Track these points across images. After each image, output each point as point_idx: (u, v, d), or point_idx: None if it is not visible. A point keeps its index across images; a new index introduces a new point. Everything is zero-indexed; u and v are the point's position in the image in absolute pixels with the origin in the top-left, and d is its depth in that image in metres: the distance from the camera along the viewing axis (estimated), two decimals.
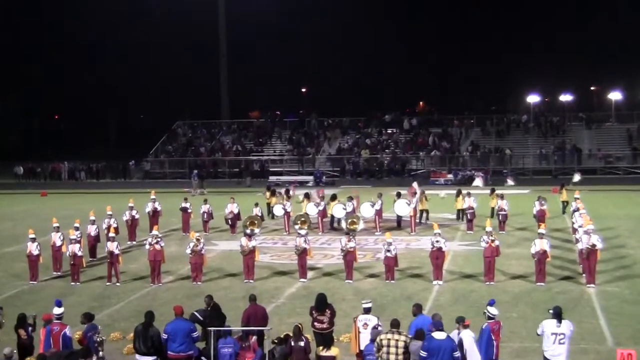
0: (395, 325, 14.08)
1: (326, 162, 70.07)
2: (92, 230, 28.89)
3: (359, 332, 15.42)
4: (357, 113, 78.06)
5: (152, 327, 15.15)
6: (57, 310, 15.78)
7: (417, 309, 15.41)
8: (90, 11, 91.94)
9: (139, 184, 63.46)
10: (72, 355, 14.71)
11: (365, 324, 15.34)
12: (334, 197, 36.31)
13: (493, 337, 14.66)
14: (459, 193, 36.62)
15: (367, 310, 15.64)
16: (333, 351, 14.49)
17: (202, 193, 50.84)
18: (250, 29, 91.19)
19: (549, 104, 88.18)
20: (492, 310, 14.94)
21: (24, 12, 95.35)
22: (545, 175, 62.39)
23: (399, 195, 35.39)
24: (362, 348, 15.11)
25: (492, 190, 36.81)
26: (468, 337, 14.23)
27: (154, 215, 33.86)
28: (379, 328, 14.86)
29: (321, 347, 14.58)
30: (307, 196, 36.69)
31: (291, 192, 39.38)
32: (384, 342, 13.74)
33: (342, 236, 26.04)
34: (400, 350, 13.66)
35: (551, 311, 14.76)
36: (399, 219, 35.03)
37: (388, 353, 13.66)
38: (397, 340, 13.73)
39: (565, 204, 38.12)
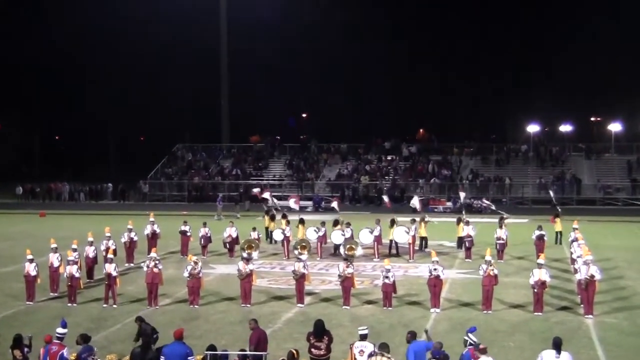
0: (383, 347, 14.19)
1: (325, 188, 70.08)
2: (90, 251, 28.89)
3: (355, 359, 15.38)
4: (357, 139, 78.20)
5: (150, 349, 15.09)
6: (60, 330, 15.71)
7: (412, 336, 15.49)
8: (90, 33, 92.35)
9: (138, 206, 63.41)
10: None
11: (362, 350, 15.32)
12: (335, 223, 36.35)
13: None
14: (459, 221, 36.60)
15: (363, 337, 15.61)
16: None
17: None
18: (251, 53, 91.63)
19: (548, 134, 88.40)
20: (473, 337, 15.09)
21: (22, 31, 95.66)
22: (545, 204, 62.39)
23: (392, 222, 35.34)
24: None
25: (501, 219, 36.51)
26: None
27: (153, 238, 33.92)
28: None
29: None
30: (302, 222, 36.61)
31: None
32: None
33: (341, 262, 26.00)
34: None
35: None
36: (395, 245, 34.96)
37: None
38: None
39: (560, 234, 38.09)
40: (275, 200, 44.14)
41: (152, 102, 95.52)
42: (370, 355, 14.97)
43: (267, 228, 39.28)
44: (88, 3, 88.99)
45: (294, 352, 14.82)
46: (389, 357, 14.00)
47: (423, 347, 14.85)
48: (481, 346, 14.50)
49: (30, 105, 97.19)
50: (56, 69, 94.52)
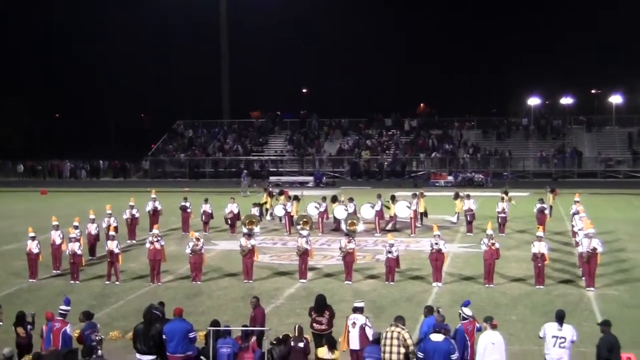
0: (398, 319, 14.47)
1: (327, 163, 70.07)
2: (92, 228, 28.89)
3: (349, 332, 15.54)
4: (357, 114, 78.05)
5: (153, 325, 15.14)
6: (63, 307, 15.76)
7: (428, 311, 15.74)
8: (91, 11, 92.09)
9: (140, 183, 63.47)
10: (70, 353, 14.71)
11: (354, 322, 15.50)
12: (334, 199, 36.42)
13: (467, 337, 14.83)
14: (456, 196, 36.60)
15: (355, 310, 15.73)
16: (335, 354, 14.51)
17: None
18: (251, 29, 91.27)
19: (549, 107, 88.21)
20: (466, 311, 15.27)
21: (24, 12, 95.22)
22: (546, 178, 62.40)
23: (393, 198, 35.31)
24: (352, 347, 15.35)
25: (506, 193, 36.38)
26: (486, 340, 14.26)
27: (154, 214, 33.90)
28: (367, 328, 15.16)
29: (324, 348, 14.56)
30: (297, 198, 36.45)
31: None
32: (383, 335, 14.26)
33: (342, 237, 26.02)
34: (396, 342, 14.04)
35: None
36: (393, 220, 35.01)
37: (384, 345, 14.13)
38: (392, 332, 14.18)
39: (550, 208, 37.69)
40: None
41: (153, 79, 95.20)
42: (362, 327, 15.25)
43: (263, 204, 38.97)
44: None
45: (302, 327, 14.98)
46: (402, 329, 14.24)
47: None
48: (494, 322, 14.58)
49: (30, 84, 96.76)
50: (56, 48, 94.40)
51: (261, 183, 55.44)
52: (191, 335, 15.09)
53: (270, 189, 41.49)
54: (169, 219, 36.24)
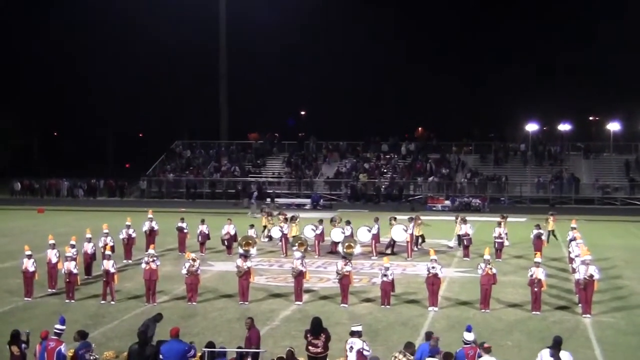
0: (408, 347, 14.61)
1: (324, 186, 70.05)
2: (88, 248, 28.87)
3: (347, 356, 15.53)
4: (355, 137, 78.19)
5: (148, 345, 15.08)
6: (58, 326, 15.71)
7: (428, 336, 15.76)
8: (90, 30, 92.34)
9: (137, 203, 63.41)
10: None
11: (351, 347, 15.51)
12: (332, 220, 36.41)
13: None
14: (457, 219, 36.61)
15: (352, 334, 15.74)
16: None
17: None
18: (250, 50, 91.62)
19: (547, 133, 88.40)
20: (468, 336, 15.25)
21: (23, 28, 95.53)
22: (543, 204, 62.45)
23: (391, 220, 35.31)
24: None
25: (503, 217, 36.39)
26: None
27: (151, 235, 33.91)
28: (364, 352, 15.10)
29: None
30: (293, 219, 36.42)
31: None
32: None
33: (339, 260, 25.99)
34: None
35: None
36: (393, 243, 34.89)
37: None
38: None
39: (551, 233, 37.66)
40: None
41: (151, 99, 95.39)
42: (360, 351, 15.18)
43: (265, 226, 39.16)
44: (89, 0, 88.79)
45: (292, 350, 14.87)
46: (410, 358, 14.23)
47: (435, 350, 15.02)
48: (485, 345, 14.59)
49: (29, 102, 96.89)
50: (55, 67, 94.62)
51: (270, 204, 55.49)
52: (189, 355, 15.01)
53: (268, 210, 41.59)
54: (165, 239, 36.18)
